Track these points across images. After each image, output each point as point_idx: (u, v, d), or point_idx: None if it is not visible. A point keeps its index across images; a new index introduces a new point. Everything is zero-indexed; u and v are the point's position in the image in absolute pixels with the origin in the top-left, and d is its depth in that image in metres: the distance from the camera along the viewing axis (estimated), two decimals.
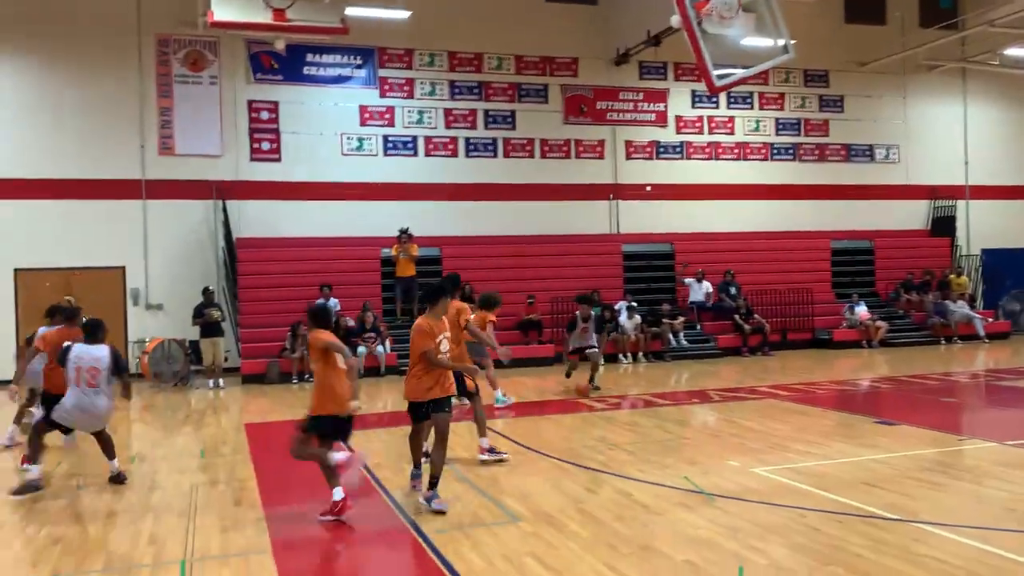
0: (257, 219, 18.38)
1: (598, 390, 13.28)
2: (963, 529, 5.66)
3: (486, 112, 20.21)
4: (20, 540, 6.03)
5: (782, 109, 22.52)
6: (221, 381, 15.45)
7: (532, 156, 20.48)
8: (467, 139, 20.04)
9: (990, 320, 20.95)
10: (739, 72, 13.81)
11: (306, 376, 15.79)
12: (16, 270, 17.03)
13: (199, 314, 15.78)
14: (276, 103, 18.72)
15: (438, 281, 7.77)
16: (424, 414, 6.68)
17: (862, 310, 19.90)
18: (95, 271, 17.38)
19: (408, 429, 7.20)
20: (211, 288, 16.93)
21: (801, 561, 5.17)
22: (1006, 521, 5.84)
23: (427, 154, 19.74)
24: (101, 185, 17.50)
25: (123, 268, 17.65)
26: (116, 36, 17.64)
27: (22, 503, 7.14)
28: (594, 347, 13.54)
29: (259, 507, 6.81)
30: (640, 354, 17.93)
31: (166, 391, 15.11)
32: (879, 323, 19.65)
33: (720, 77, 13.04)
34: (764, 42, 15.19)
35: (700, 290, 19.73)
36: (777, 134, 22.44)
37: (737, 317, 19.00)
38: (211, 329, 15.67)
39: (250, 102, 18.58)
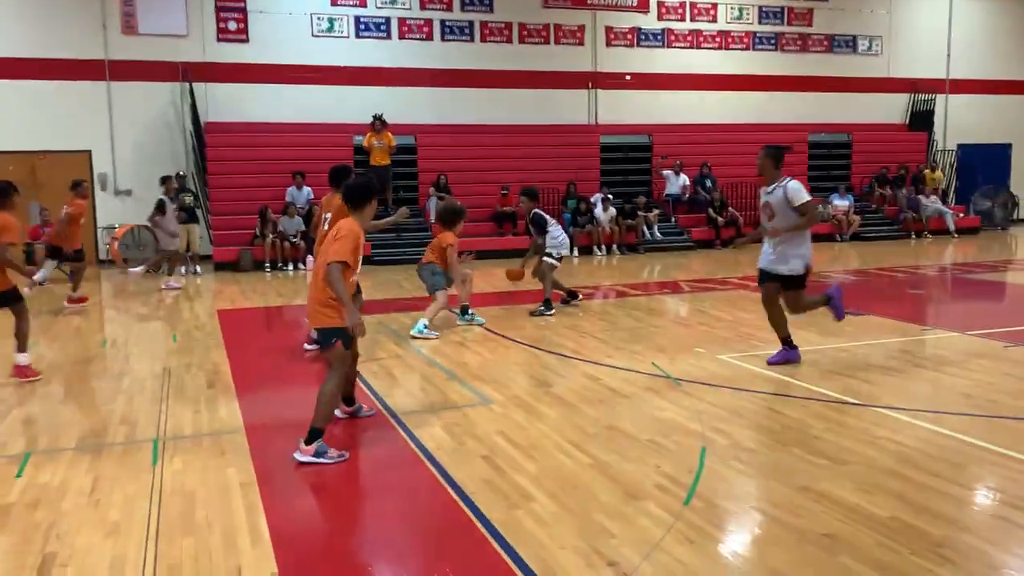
0: (225, 103, 17.86)
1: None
2: (920, 413, 5.83)
3: None
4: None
5: None
6: (197, 268, 15.35)
7: (510, 41, 19.91)
8: (443, 21, 19.39)
9: (961, 215, 21.15)
10: None
11: (280, 265, 15.72)
12: None
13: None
14: None
15: (365, 176, 6.09)
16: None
17: (845, 203, 19.93)
18: (60, 155, 16.93)
19: None
20: (183, 173, 16.60)
21: (762, 442, 5.32)
22: (961, 406, 6.02)
23: (401, 37, 19.12)
24: (64, 65, 16.84)
25: (89, 152, 17.21)
26: None
27: None
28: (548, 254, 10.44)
29: (232, 390, 6.86)
30: (614, 246, 17.97)
31: (136, 277, 14.96)
32: (853, 216, 19.77)
33: None
34: None
35: (677, 183, 19.65)
36: (760, 23, 21.93)
37: (711, 210, 19.00)
38: (185, 215, 15.44)
39: None
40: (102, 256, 17.13)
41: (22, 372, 7.33)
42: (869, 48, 22.85)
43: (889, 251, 17.47)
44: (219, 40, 17.86)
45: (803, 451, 5.10)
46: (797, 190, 7.13)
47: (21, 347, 7.39)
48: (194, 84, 17.38)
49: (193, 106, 17.28)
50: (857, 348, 7.92)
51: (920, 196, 20.58)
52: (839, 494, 4.40)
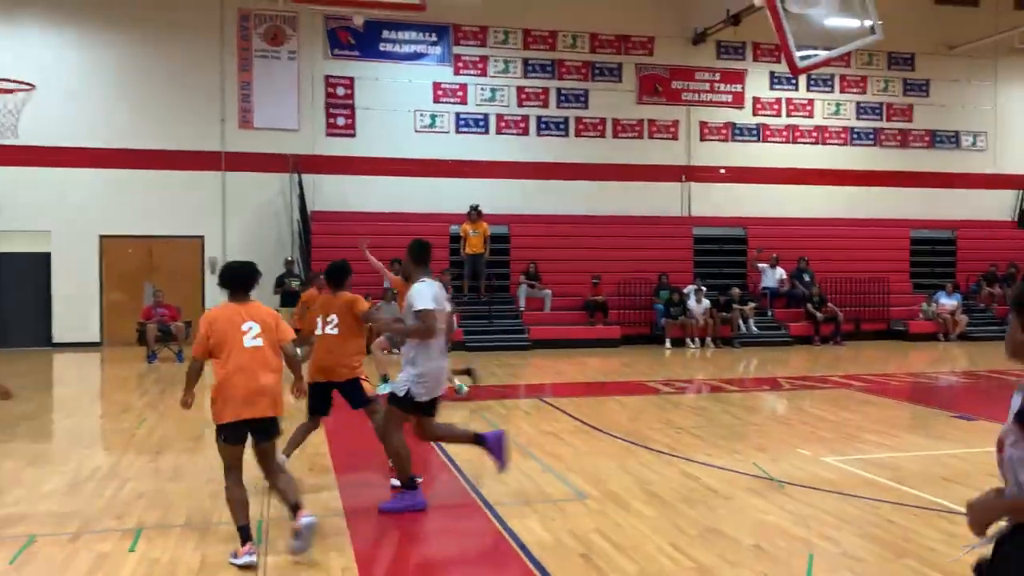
0: (331, 193, 18.71)
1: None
2: None
3: (559, 90, 20.13)
4: (107, 493, 6.31)
5: (864, 92, 21.87)
6: (299, 349, 15.82)
7: (604, 136, 20.33)
8: (539, 117, 20.00)
9: None
10: (822, 53, 13.47)
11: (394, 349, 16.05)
12: (101, 237, 17.68)
13: (280, 283, 16.19)
14: (352, 79, 18.98)
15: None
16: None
17: (952, 302, 19.20)
18: (175, 239, 17.95)
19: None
20: (291, 259, 17.36)
21: (874, 551, 5.08)
22: None
23: (498, 132, 19.78)
24: (183, 156, 18.02)
25: (202, 237, 18.18)
26: (199, 12, 18.09)
27: (106, 462, 7.45)
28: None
29: (331, 472, 6.99)
30: (708, 339, 17.72)
31: None
32: (960, 316, 19.02)
33: (803, 58, 12.73)
34: (850, 22, 14.75)
35: (773, 276, 19.37)
36: (858, 118, 21.82)
37: (810, 305, 18.61)
38: (290, 298, 16.04)
39: (327, 77, 18.88)
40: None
41: None
42: (973, 143, 22.38)
43: (999, 352, 16.64)
44: (328, 135, 18.85)
45: (917, 563, 4.85)
46: (418, 293, 5.94)
47: None
48: (303, 175, 18.29)
49: (301, 196, 18.15)
50: (969, 455, 7.53)
51: None
52: None
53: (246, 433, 5.03)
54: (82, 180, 17.46)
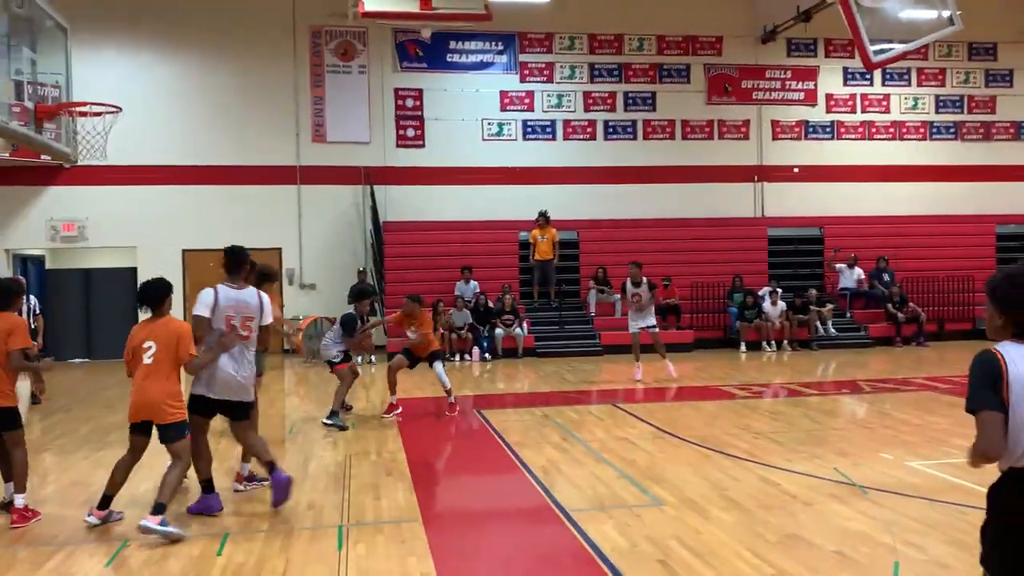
0: (402, 203, 19.00)
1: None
2: None
3: (626, 94, 20.04)
4: (192, 497, 6.52)
5: (943, 85, 21.17)
6: (372, 357, 16.11)
7: (673, 138, 20.15)
8: (606, 122, 19.94)
9: None
10: (898, 47, 13.08)
11: (448, 356, 16.25)
12: (184, 250, 18.31)
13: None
14: (420, 90, 19.25)
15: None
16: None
17: None
18: (254, 252, 18.26)
19: None
20: (363, 269, 17.70)
21: (963, 559, 4.91)
22: None
23: (566, 138, 19.79)
24: (260, 171, 18.55)
25: (280, 249, 18.65)
26: (272, 29, 18.61)
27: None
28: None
29: (408, 478, 7.09)
30: (785, 342, 17.37)
31: (319, 366, 15.88)
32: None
33: (877, 52, 12.41)
34: (926, 13, 14.31)
35: (851, 276, 18.88)
36: (937, 112, 21.13)
37: (890, 305, 18.08)
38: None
39: (396, 90, 19.19)
40: (285, 346, 18.30)
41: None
42: None
43: None
44: (398, 146, 19.16)
45: None
46: (198, 298, 6.07)
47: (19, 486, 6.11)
48: (375, 186, 18.63)
49: (373, 207, 18.48)
50: None
51: None
52: None
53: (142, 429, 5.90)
54: (164, 196, 18.14)
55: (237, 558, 5.18)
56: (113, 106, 10.78)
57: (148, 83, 18.23)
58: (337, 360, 10.03)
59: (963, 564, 4.83)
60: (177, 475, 5.78)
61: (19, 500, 5.97)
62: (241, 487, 6.90)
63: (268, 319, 6.27)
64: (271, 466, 6.13)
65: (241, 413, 6.24)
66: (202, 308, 6.02)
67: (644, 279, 12.97)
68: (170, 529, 5.51)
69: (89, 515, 5.90)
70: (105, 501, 5.93)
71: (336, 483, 7.02)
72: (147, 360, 5.73)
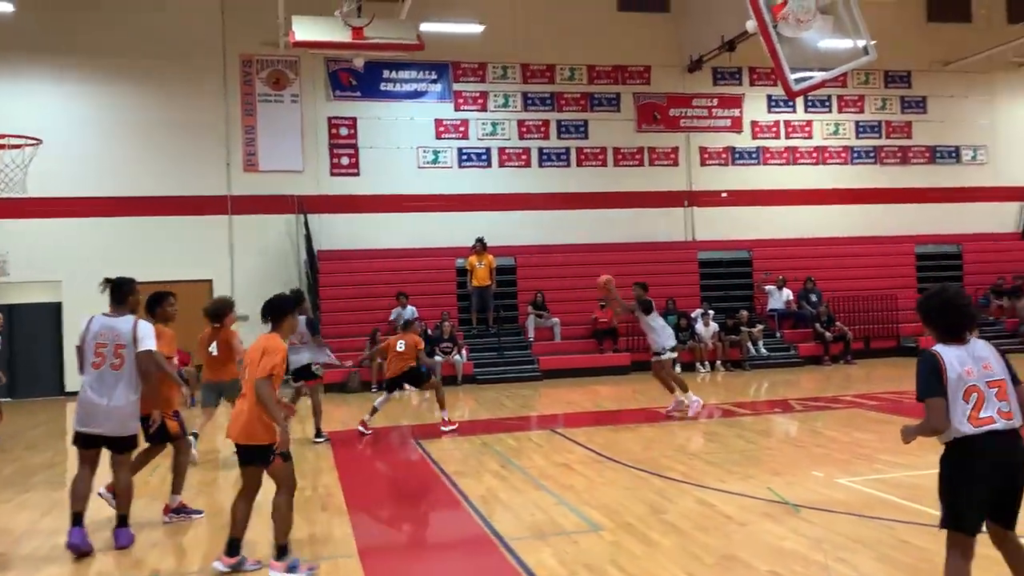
0: (337, 232, 18.86)
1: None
2: None
3: (559, 122, 20.32)
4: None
5: (862, 112, 22.00)
6: (305, 389, 15.83)
7: (605, 165, 20.48)
8: (540, 149, 20.17)
9: None
10: (817, 75, 13.54)
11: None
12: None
13: None
14: (354, 119, 19.21)
15: (281, 295, 6.36)
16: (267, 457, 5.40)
17: None
18: (184, 284, 17.99)
19: None
20: None
21: (890, 574, 5.06)
22: None
23: (501, 165, 19.95)
24: (190, 201, 18.21)
25: (211, 281, 18.28)
26: (201, 58, 18.38)
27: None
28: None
29: (344, 513, 6.98)
30: (718, 362, 17.70)
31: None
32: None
33: (798, 81, 12.82)
34: (843, 44, 14.88)
35: (780, 298, 19.38)
36: (857, 137, 21.94)
37: (818, 325, 18.59)
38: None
39: (330, 119, 19.11)
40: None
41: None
42: (974, 157, 22.45)
43: (1015, 363, 16.56)
44: (332, 174, 19.05)
45: None
46: None
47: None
48: (308, 215, 18.45)
49: (308, 236, 18.30)
50: None
51: None
52: None
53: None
54: (91, 228, 17.65)
55: None
56: (33, 138, 10.52)
57: (73, 113, 17.80)
58: (318, 373, 10.59)
59: None
60: (284, 504, 5.34)
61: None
62: (167, 519, 6.86)
63: (143, 347, 6.00)
64: (77, 517, 5.96)
65: (120, 447, 6.07)
66: (77, 337, 6.16)
67: (635, 301, 11.77)
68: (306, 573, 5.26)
69: (217, 561, 5.47)
70: (232, 546, 5.50)
71: (270, 519, 6.85)
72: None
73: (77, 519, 5.99)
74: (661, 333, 11.52)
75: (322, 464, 9.18)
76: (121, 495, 6.19)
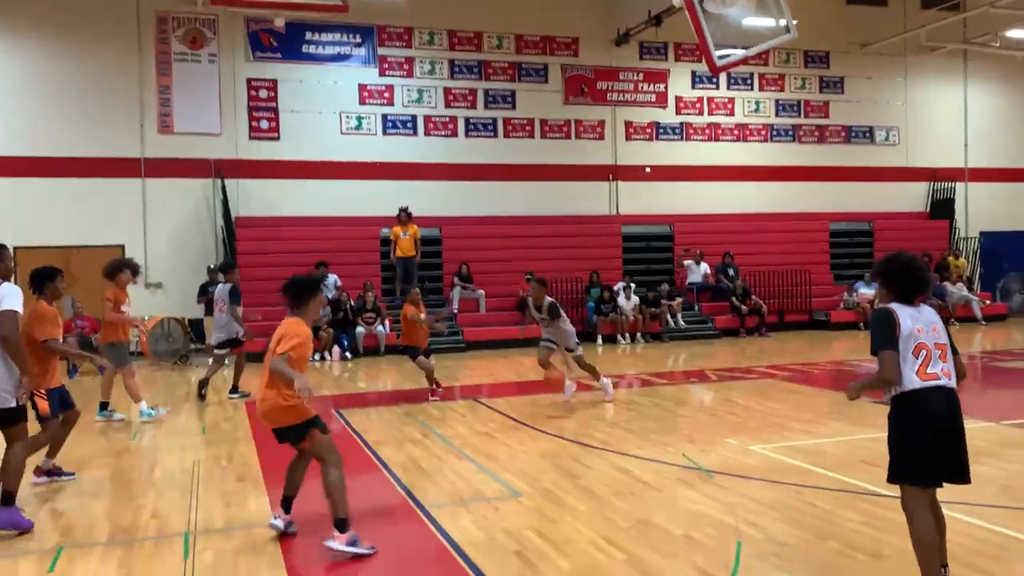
0: (256, 198, 18.37)
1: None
2: (959, 506, 5.70)
3: (486, 92, 20.15)
4: (26, 512, 6.07)
5: (782, 90, 22.46)
6: (225, 359, 15.47)
7: (532, 136, 20.43)
8: (467, 119, 19.99)
9: (987, 302, 21.03)
10: (739, 52, 13.79)
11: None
12: (16, 248, 16.96)
13: (203, 292, 15.80)
14: (275, 81, 18.66)
15: (305, 276, 5.96)
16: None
17: (870, 291, 19.82)
18: (95, 249, 17.34)
19: None
20: (213, 266, 16.93)
21: (798, 536, 5.23)
22: (1001, 498, 5.90)
23: (427, 133, 19.70)
24: (101, 163, 17.47)
25: (123, 246, 17.61)
26: (114, 13, 17.56)
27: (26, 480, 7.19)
28: None
29: (261, 483, 6.86)
30: (638, 335, 17.98)
31: (165, 369, 15.17)
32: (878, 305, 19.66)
33: (721, 57, 13.03)
34: (766, 22, 15.15)
35: (698, 272, 19.78)
36: (777, 115, 22.40)
37: (734, 299, 19.05)
38: (212, 307, 15.61)
39: (249, 80, 18.52)
40: (132, 348, 17.34)
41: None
42: (887, 138, 23.21)
43: None
44: (251, 138, 18.50)
45: (841, 545, 5.01)
46: None
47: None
48: (226, 180, 17.92)
49: (225, 201, 17.77)
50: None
51: (946, 283, 20.51)
52: None
53: None
54: None
55: (71, 573, 4.86)
56: None
57: None
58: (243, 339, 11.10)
59: (799, 540, 5.14)
60: (333, 477, 5.09)
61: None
62: (40, 479, 6.87)
63: (3, 307, 5.46)
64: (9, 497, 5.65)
65: (1, 422, 5.64)
66: None
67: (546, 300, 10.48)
68: (366, 548, 5.01)
69: (275, 519, 5.43)
70: (286, 503, 5.50)
71: (183, 490, 6.70)
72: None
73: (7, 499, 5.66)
74: (570, 332, 10.47)
75: (239, 434, 8.99)
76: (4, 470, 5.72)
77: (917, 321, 4.12)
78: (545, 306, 10.36)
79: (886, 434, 4.22)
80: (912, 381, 4.04)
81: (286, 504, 5.49)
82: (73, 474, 7.12)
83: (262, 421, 5.34)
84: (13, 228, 16.76)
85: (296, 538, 5.43)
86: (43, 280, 6.82)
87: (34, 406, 6.40)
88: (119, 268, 9.82)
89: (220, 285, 11.84)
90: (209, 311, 15.64)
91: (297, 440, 5.26)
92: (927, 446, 4.02)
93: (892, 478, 4.17)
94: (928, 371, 4.05)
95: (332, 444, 5.26)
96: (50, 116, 17.24)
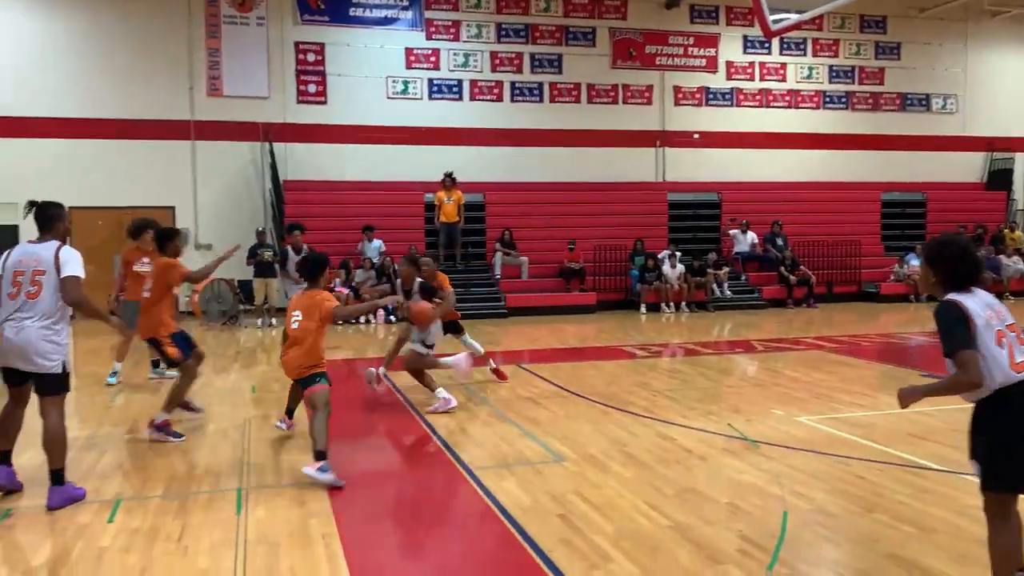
0: (303, 161, 18.53)
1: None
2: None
3: (532, 56, 19.98)
4: (84, 465, 6.28)
5: (836, 56, 21.92)
6: (272, 320, 15.76)
7: (578, 101, 20.24)
8: (513, 83, 19.86)
9: None
10: (794, 16, 13.42)
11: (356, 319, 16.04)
12: (71, 208, 17.33)
13: (253, 254, 16.04)
14: (322, 45, 18.71)
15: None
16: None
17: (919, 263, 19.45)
18: (146, 210, 17.62)
19: None
20: (262, 229, 17.21)
21: (845, 507, 5.19)
22: None
23: (472, 98, 19.62)
24: (151, 125, 17.73)
25: (173, 208, 17.95)
26: None
27: (83, 435, 7.42)
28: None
29: (310, 440, 6.97)
30: (683, 304, 17.87)
31: (215, 330, 15.47)
32: None
33: (775, 21, 12.70)
34: None
35: (745, 241, 19.54)
36: (830, 82, 21.89)
37: (783, 269, 18.79)
38: (263, 269, 15.89)
39: (297, 43, 18.60)
40: (182, 308, 17.72)
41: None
42: (944, 106, 22.56)
43: None
44: (299, 102, 18.61)
45: (888, 517, 4.97)
46: None
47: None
48: (274, 144, 18.08)
49: (273, 165, 17.95)
50: (938, 412, 7.68)
51: (1000, 256, 20.00)
52: (928, 563, 4.27)
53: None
54: (50, 150, 17.15)
55: (131, 523, 5.02)
56: None
57: (33, 30, 17.17)
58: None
59: (846, 512, 5.11)
60: (320, 421, 5.94)
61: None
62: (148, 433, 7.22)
63: (66, 272, 5.44)
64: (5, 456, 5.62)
65: (43, 387, 5.46)
66: None
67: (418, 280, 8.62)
68: (332, 478, 5.68)
69: (280, 421, 7.22)
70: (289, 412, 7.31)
71: (235, 446, 6.87)
72: (293, 326, 6.19)
73: (3, 457, 5.62)
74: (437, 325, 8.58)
75: (287, 393, 9.13)
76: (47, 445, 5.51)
77: (985, 307, 3.61)
78: (416, 288, 8.43)
79: (936, 408, 4.12)
80: (1008, 376, 3.50)
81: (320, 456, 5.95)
82: (183, 436, 7.18)
83: (292, 376, 6.39)
84: (68, 189, 17.15)
85: (345, 494, 5.54)
86: (166, 239, 7.77)
87: (163, 354, 7.46)
88: (142, 229, 9.64)
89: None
90: (258, 273, 15.93)
91: (311, 383, 6.15)
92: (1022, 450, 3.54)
93: (993, 485, 3.61)
94: (1017, 360, 3.52)
95: (328, 398, 6.10)
96: (103, 79, 17.51)
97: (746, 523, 4.90)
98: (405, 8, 19.18)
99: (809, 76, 21.77)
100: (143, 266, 9.22)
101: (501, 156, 19.61)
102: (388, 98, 19.13)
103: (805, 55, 21.71)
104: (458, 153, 19.00)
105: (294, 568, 4.34)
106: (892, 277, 19.55)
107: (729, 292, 18.45)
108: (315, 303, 6.16)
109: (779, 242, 19.50)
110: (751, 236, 19.57)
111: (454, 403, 8.11)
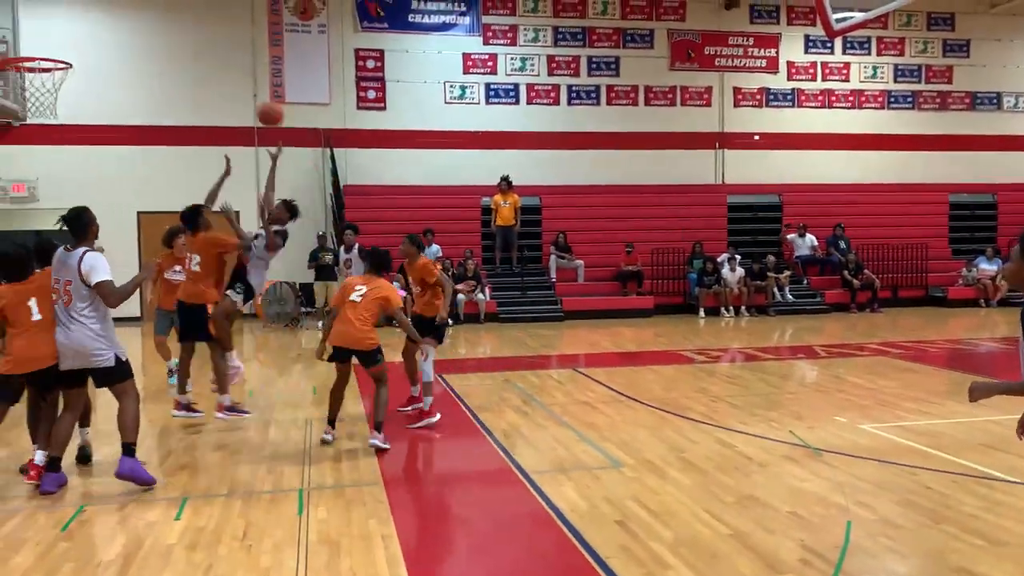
0: (363, 166, 18.79)
1: None
2: None
3: (589, 59, 19.92)
4: (152, 463, 6.46)
5: (902, 55, 21.38)
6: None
7: (636, 104, 20.12)
8: (570, 86, 19.83)
9: None
10: (859, 15, 13.12)
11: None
12: (139, 212, 17.93)
13: (313, 258, 16.34)
14: (382, 51, 18.95)
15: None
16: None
17: (993, 267, 18.82)
18: (212, 216, 18.12)
19: None
20: (323, 233, 17.49)
21: (912, 518, 5.06)
22: None
23: (529, 102, 19.66)
24: (217, 132, 18.14)
25: (238, 212, 18.24)
26: None
27: (151, 434, 7.64)
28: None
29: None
30: (743, 308, 17.61)
31: (278, 332, 15.78)
32: (1000, 281, 18.67)
33: (839, 20, 12.44)
34: None
35: (804, 244, 19.18)
36: (896, 81, 21.35)
37: (846, 272, 18.39)
38: (324, 272, 16.17)
39: (357, 50, 18.87)
40: (246, 311, 18.10)
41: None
42: (1016, 105, 21.82)
43: None
44: (359, 108, 18.88)
45: (957, 529, 4.83)
46: None
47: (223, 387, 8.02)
48: (335, 149, 18.37)
49: (334, 170, 18.24)
50: (1010, 421, 7.39)
51: None
52: None
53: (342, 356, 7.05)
54: (119, 156, 17.70)
55: (196, 522, 5.15)
56: (63, 62, 10.47)
57: (100, 40, 17.71)
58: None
59: (912, 523, 4.98)
60: (384, 396, 6.87)
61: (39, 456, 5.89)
62: (222, 415, 7.88)
63: (94, 279, 5.70)
64: (55, 463, 5.82)
65: (103, 380, 5.88)
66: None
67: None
68: (383, 444, 6.68)
69: (326, 434, 7.03)
70: (332, 422, 7.14)
71: (296, 448, 7.00)
72: (355, 298, 6.87)
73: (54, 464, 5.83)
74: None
75: (349, 396, 9.26)
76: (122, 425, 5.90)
77: None
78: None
79: (1007, 417, 3.99)
80: None
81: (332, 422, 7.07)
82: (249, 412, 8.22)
83: (343, 344, 6.92)
84: (136, 194, 17.75)
85: (403, 495, 5.60)
86: (192, 217, 8.46)
87: (202, 324, 7.98)
88: (175, 236, 9.78)
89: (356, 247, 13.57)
90: (319, 276, 16.22)
91: (372, 362, 6.86)
92: None
93: None
94: None
95: (386, 372, 6.87)
96: (169, 86, 18.00)
97: (808, 532, 4.81)
98: (463, 14, 19.32)
99: (873, 76, 21.27)
100: (175, 274, 9.29)
101: (557, 159, 19.60)
102: (446, 103, 19.28)
103: (869, 54, 21.22)
104: (514, 157, 19.05)
105: (354, 568, 4.40)
106: (960, 281, 18.97)
107: (791, 296, 18.12)
108: (383, 290, 6.88)
109: (842, 245, 19.08)
110: (810, 239, 19.20)
111: (243, 369, 8.88)
